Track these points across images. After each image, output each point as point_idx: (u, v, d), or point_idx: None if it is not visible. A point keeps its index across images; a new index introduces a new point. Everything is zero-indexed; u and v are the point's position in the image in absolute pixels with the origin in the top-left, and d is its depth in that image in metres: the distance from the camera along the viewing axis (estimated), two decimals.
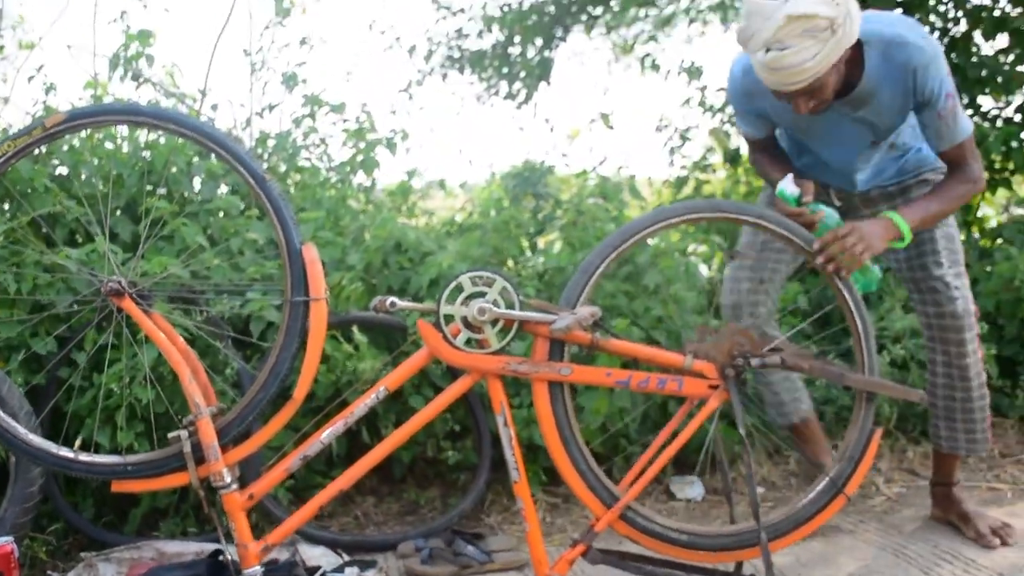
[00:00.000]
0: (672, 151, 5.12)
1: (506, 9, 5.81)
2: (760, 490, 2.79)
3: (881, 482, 2.79)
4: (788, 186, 2.13)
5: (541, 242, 3.79)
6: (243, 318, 2.73)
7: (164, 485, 1.92)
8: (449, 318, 1.93)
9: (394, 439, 1.98)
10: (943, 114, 2.07)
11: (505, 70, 5.69)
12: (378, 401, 1.95)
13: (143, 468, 1.90)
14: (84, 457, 1.93)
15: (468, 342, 1.93)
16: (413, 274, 2.97)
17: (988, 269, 3.42)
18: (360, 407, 1.95)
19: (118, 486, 1.93)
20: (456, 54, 5.83)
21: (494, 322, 1.92)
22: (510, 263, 3.31)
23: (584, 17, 5.88)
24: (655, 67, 5.59)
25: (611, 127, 5.04)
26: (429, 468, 2.94)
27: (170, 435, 1.89)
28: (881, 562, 2.21)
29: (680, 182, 5.06)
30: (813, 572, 2.17)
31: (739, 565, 2.04)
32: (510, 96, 5.68)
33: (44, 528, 2.56)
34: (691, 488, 2.79)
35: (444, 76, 5.88)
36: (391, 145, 3.48)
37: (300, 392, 1.92)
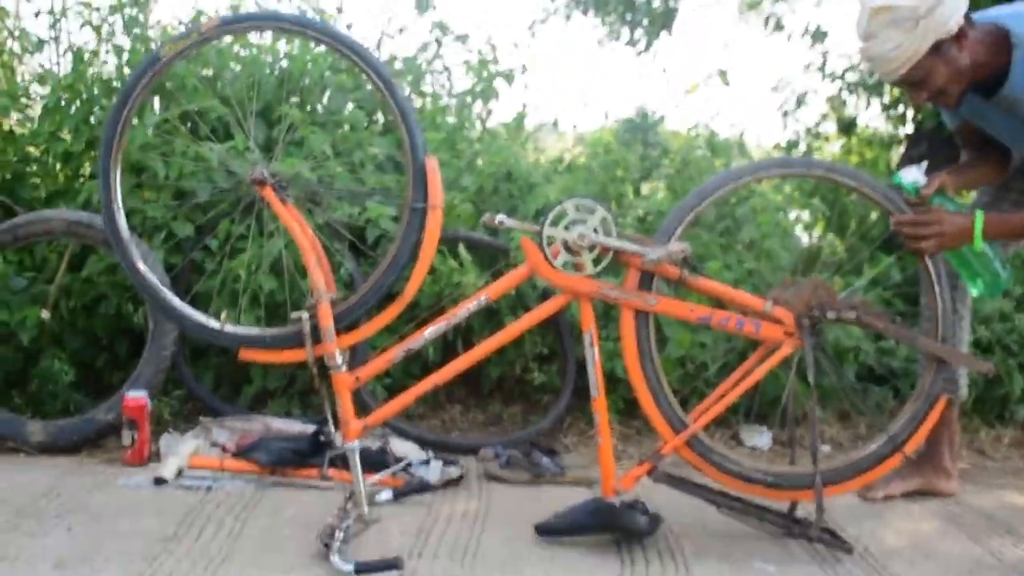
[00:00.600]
0: (786, 114, 5.12)
1: None
2: (826, 448, 2.90)
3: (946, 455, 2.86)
4: (909, 174, 2.17)
5: (645, 188, 3.90)
6: (359, 227, 2.94)
7: (285, 359, 2.16)
8: (551, 240, 2.08)
9: (488, 345, 2.16)
10: None
11: (628, 16, 5.72)
12: (480, 308, 2.14)
13: (276, 340, 2.14)
14: (229, 328, 2.18)
15: (566, 264, 2.09)
16: (520, 202, 3.14)
17: None
18: (462, 311, 2.13)
19: (246, 354, 2.17)
20: None
21: (591, 248, 2.07)
22: (613, 205, 3.45)
23: None
24: (779, 27, 5.54)
25: (728, 84, 5.06)
26: (515, 386, 3.14)
27: (293, 315, 2.12)
28: (932, 524, 2.31)
29: (791, 145, 5.07)
30: (863, 524, 2.28)
31: (793, 506, 2.17)
32: (631, 43, 5.72)
33: (168, 392, 2.87)
34: (759, 437, 2.91)
35: (568, 17, 5.95)
36: (509, 77, 3.62)
37: (411, 289, 2.12)
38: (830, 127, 5.28)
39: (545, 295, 2.97)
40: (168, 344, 2.65)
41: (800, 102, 5.07)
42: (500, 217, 2.11)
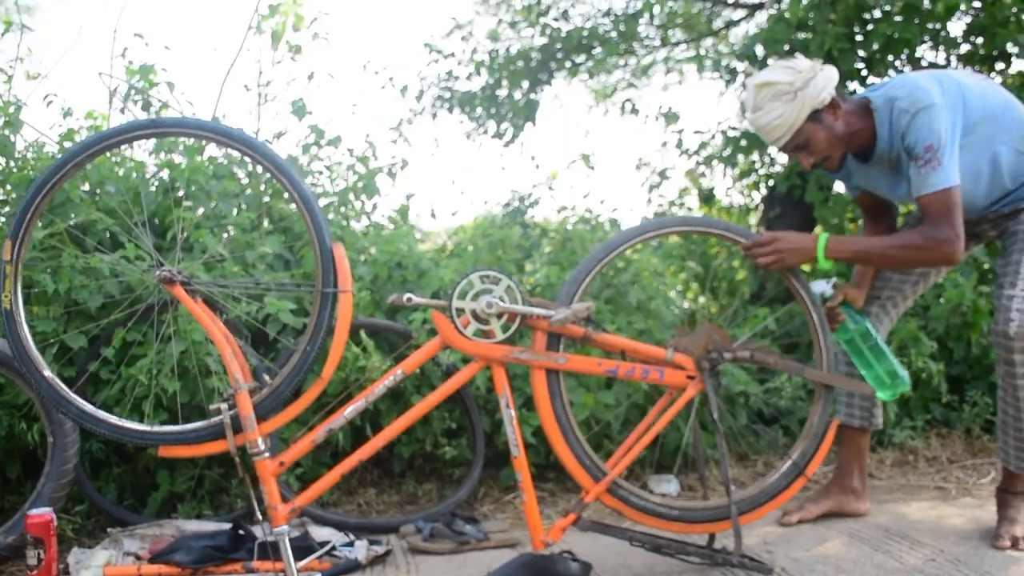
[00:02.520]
0: (650, 189, 5.45)
1: (494, 54, 6.16)
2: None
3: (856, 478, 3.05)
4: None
5: (528, 266, 4.07)
6: (257, 323, 2.97)
7: (206, 452, 2.16)
8: (460, 312, 2.19)
9: (410, 415, 2.23)
10: (919, 163, 2.25)
11: (493, 111, 6.02)
12: (396, 383, 2.21)
13: (200, 434, 2.14)
14: (157, 428, 2.17)
15: (476, 333, 2.20)
16: (415, 287, 3.24)
17: (939, 297, 3.74)
18: (380, 387, 2.20)
19: (166, 451, 2.16)
20: (446, 95, 6.16)
21: (500, 315, 2.18)
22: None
23: (568, 64, 6.24)
24: (634, 111, 5.93)
25: (592, 167, 5.37)
26: (426, 463, 3.18)
27: (211, 407, 2.13)
28: (838, 541, 2.47)
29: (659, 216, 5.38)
30: (777, 547, 2.43)
31: (712, 537, 2.30)
32: (498, 135, 6.00)
33: (68, 510, 2.77)
34: (668, 484, 3.05)
35: (434, 115, 6.20)
36: (392, 173, 3.77)
37: (328, 371, 2.17)
38: (692, 199, 5.65)
39: (449, 373, 3.06)
40: (70, 457, 2.58)
41: (663, 177, 5.41)
42: (408, 295, 2.21)
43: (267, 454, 2.12)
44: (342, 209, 3.72)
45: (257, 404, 2.14)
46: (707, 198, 5.47)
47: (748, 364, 2.28)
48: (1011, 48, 4.23)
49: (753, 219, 5.37)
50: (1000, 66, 4.33)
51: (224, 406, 2.12)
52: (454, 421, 3.08)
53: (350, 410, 2.19)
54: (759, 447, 3.34)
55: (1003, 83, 4.27)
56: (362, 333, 3.00)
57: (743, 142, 5.11)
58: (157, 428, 2.17)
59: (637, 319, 3.26)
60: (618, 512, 2.24)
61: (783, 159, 4.87)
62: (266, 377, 2.19)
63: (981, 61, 4.39)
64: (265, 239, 3.30)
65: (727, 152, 5.21)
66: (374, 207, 3.83)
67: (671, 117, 5.80)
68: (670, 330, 3.28)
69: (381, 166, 3.85)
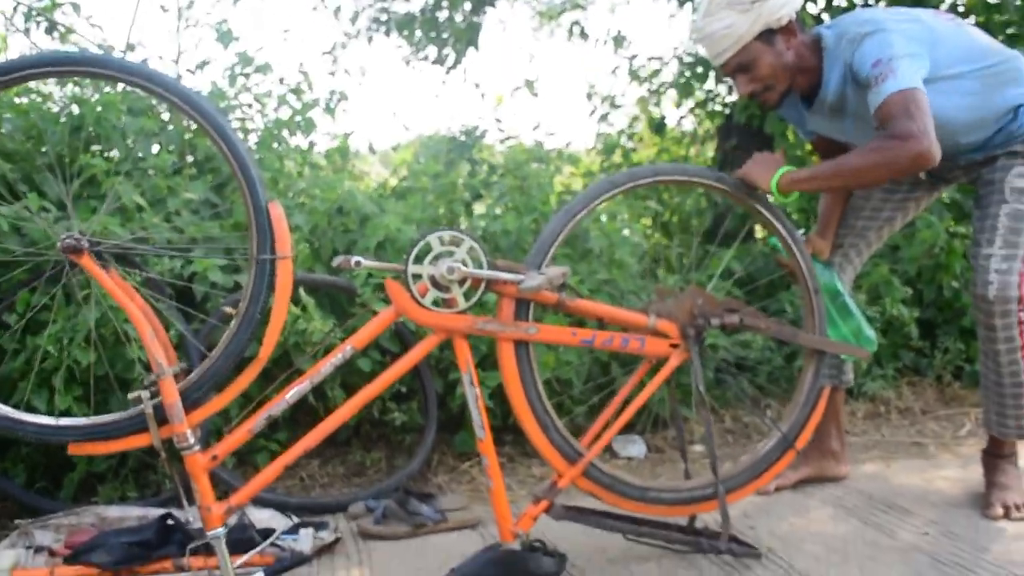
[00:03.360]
0: (601, 119, 5.18)
1: None
2: (698, 448, 2.89)
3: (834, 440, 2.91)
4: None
5: (478, 206, 3.80)
6: (184, 279, 2.66)
7: (124, 447, 1.87)
8: (417, 278, 1.93)
9: (362, 396, 1.98)
10: (871, 84, 1.96)
11: (433, 34, 5.63)
12: (344, 360, 1.94)
13: (117, 427, 1.85)
14: (65, 422, 1.87)
15: (436, 302, 1.94)
16: (359, 236, 2.94)
17: (912, 237, 3.58)
18: (326, 366, 1.93)
19: (77, 449, 1.87)
20: (383, 17, 5.74)
21: (462, 281, 1.92)
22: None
23: None
24: (583, 35, 5.61)
25: (536, 94, 5.07)
26: (374, 430, 2.94)
27: (131, 395, 1.84)
28: (822, 512, 2.32)
29: (609, 148, 5.13)
30: (758, 522, 2.26)
31: (692, 518, 2.11)
32: (439, 61, 5.62)
33: None
34: (633, 447, 2.87)
35: (370, 39, 5.78)
36: (330, 110, 3.43)
37: (265, 351, 1.89)
38: (643, 127, 5.41)
39: (400, 334, 2.80)
40: None
41: (612, 106, 5.15)
42: (356, 259, 1.93)
43: (197, 447, 1.85)
44: (275, 146, 3.38)
45: (185, 391, 1.86)
46: (658, 127, 5.24)
47: (738, 330, 2.06)
48: None
49: (709, 150, 5.15)
50: None
51: (145, 394, 1.83)
52: (403, 384, 2.83)
53: (292, 393, 1.92)
54: (726, 399, 3.17)
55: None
56: (301, 291, 2.71)
57: (699, 68, 4.86)
58: (65, 422, 1.87)
59: (599, 268, 3.02)
60: (594, 496, 2.03)
61: None
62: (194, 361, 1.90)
63: None
64: (188, 184, 2.96)
65: (682, 80, 4.96)
66: (310, 145, 3.49)
67: (619, 41, 5.51)
68: (635, 279, 3.06)
69: (317, 98, 3.51)
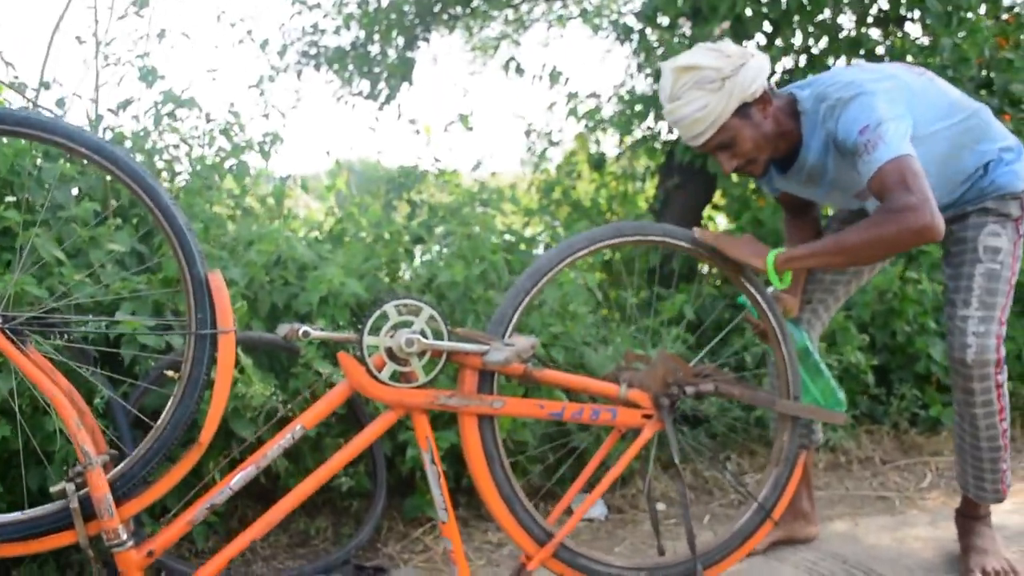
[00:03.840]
0: (539, 156, 5.11)
1: (364, 6, 5.61)
2: (661, 506, 2.79)
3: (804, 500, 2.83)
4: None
5: (420, 251, 3.66)
6: (110, 341, 2.46)
7: (47, 547, 1.67)
8: (372, 350, 1.78)
9: (313, 480, 1.82)
10: (859, 151, 1.89)
11: (365, 69, 5.49)
12: (293, 441, 1.79)
13: (32, 527, 1.65)
14: None
15: (393, 375, 1.80)
16: (299, 290, 2.77)
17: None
18: (274, 448, 1.77)
19: None
20: (312, 51, 5.57)
21: (421, 354, 1.79)
22: (389, 274, 3.19)
23: (445, 17, 5.77)
24: (519, 71, 5.55)
25: (470, 128, 4.97)
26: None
27: (53, 488, 1.65)
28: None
29: (549, 186, 5.06)
30: None
31: None
32: (372, 96, 5.48)
33: None
34: (593, 508, 2.75)
35: (299, 73, 5.61)
36: (265, 153, 3.26)
37: (206, 435, 1.72)
38: (580, 163, 5.35)
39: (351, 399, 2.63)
40: None
41: (552, 143, 5.08)
42: (304, 328, 1.78)
43: (130, 543, 1.67)
44: (206, 192, 3.18)
45: (116, 480, 1.68)
46: (598, 164, 5.18)
47: (712, 397, 1.97)
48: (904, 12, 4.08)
49: (650, 188, 5.11)
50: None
51: (71, 487, 1.64)
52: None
53: (237, 479, 1.76)
54: (684, 452, 3.08)
55: (892, 48, 4.11)
56: (239, 351, 2.53)
57: (638, 106, 4.83)
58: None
59: (552, 320, 2.91)
60: None
61: None
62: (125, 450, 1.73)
63: (878, 23, 4.23)
64: (113, 234, 2.76)
65: (622, 118, 4.91)
66: (243, 189, 3.31)
67: (555, 76, 5.45)
68: (590, 330, 2.96)
69: (250, 139, 3.33)
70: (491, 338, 1.85)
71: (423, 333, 1.79)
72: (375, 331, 1.77)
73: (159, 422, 1.71)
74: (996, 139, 2.12)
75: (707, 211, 4.84)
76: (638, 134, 4.92)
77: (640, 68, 4.87)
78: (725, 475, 2.76)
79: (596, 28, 5.03)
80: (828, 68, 4.07)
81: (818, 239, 2.19)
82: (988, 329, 2.08)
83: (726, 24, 4.08)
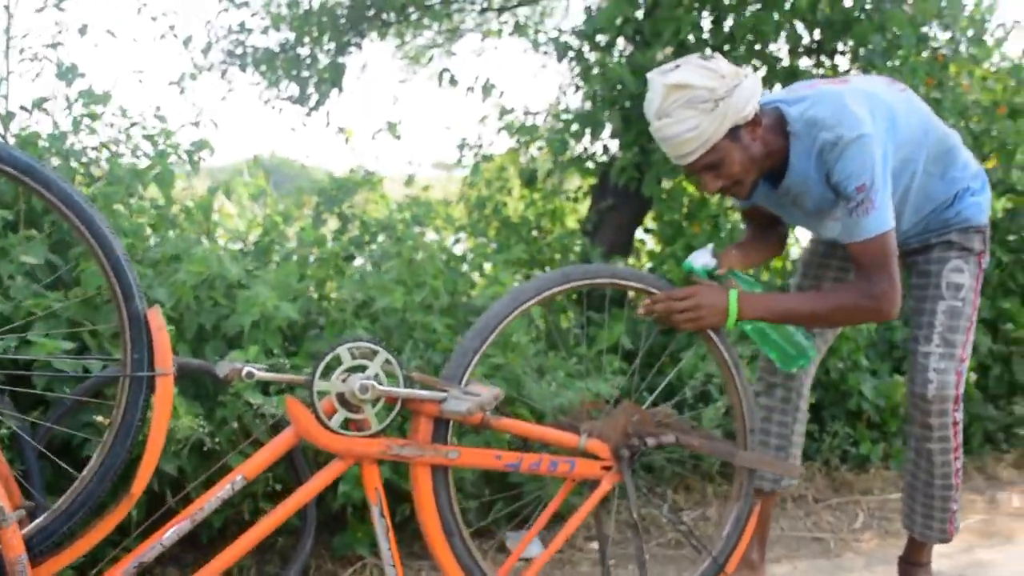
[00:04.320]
0: (474, 170, 5.01)
1: (295, 7, 5.43)
2: (592, 545, 2.73)
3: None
4: (699, 259, 2.10)
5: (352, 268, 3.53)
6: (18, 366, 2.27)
7: None
8: (321, 394, 1.67)
9: (259, 531, 1.70)
10: (850, 205, 1.91)
11: (294, 72, 5.30)
12: (233, 492, 1.66)
13: None
14: None
15: (344, 423, 1.69)
16: (229, 312, 2.62)
17: None
18: (211, 500, 1.64)
19: None
20: (239, 50, 5.35)
21: (375, 400, 1.68)
22: (324, 296, 3.06)
23: (378, 24, 5.63)
24: (453, 82, 5.45)
25: (398, 136, 4.86)
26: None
27: None
28: None
29: (480, 202, 4.98)
30: None
31: None
32: (300, 101, 5.30)
33: None
34: (530, 546, 2.67)
35: (224, 72, 5.39)
36: (194, 164, 3.09)
37: (139, 485, 1.58)
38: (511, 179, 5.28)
39: (278, 428, 2.49)
40: None
41: (486, 158, 5.00)
42: (248, 369, 1.66)
43: None
44: (130, 201, 2.99)
45: (33, 537, 1.52)
46: (529, 180, 5.13)
47: (673, 448, 1.92)
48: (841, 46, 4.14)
49: (583, 208, 5.08)
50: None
51: None
52: (278, 481, 2.52)
53: (169, 534, 1.62)
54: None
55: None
56: None
57: (574, 126, 4.79)
58: None
59: (493, 351, 2.82)
60: None
61: (616, 146, 4.57)
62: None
63: (809, 53, 4.29)
64: (24, 244, 2.56)
65: (558, 136, 4.87)
66: (168, 200, 3.13)
67: (488, 89, 5.37)
68: (532, 359, 2.88)
69: (177, 144, 3.15)
70: (447, 384, 1.75)
71: (377, 378, 1.68)
72: (326, 375, 1.66)
73: (85, 472, 1.56)
74: (964, 168, 2.13)
75: (638, 234, 4.84)
76: (573, 153, 4.88)
77: (577, 88, 4.83)
78: (680, 527, 2.68)
79: (536, 44, 4.97)
80: None
81: (777, 252, 2.25)
82: (948, 366, 2.10)
83: (669, 49, 4.08)
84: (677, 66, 1.89)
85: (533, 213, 5.15)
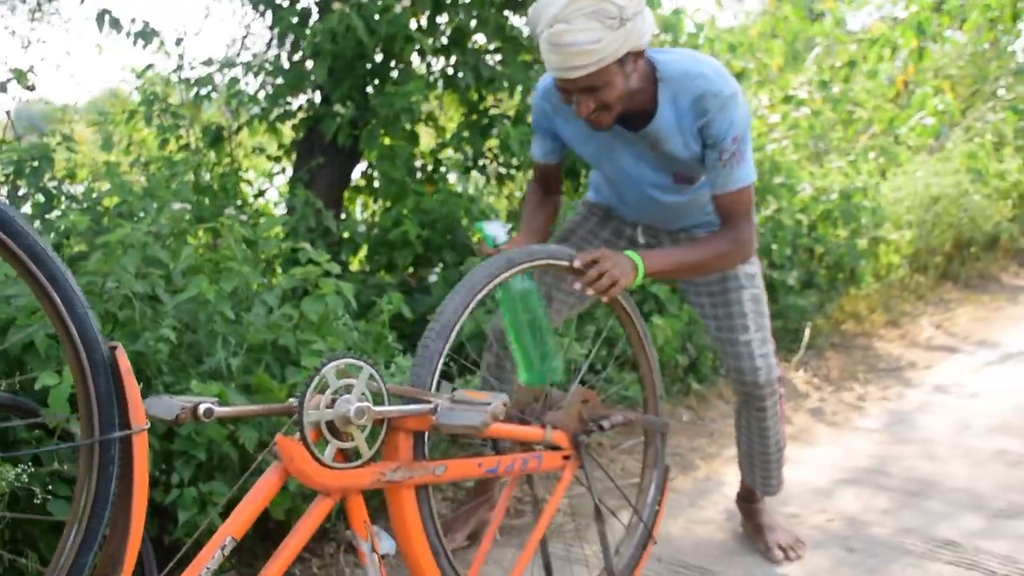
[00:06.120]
0: (164, 129, 4.46)
1: None
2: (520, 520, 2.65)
3: None
4: (491, 228, 2.06)
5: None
6: None
7: None
8: (311, 426, 1.43)
9: None
10: (724, 156, 1.94)
11: None
12: (223, 558, 1.37)
13: None
14: None
15: (335, 455, 1.46)
16: None
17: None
18: (201, 572, 1.34)
19: None
20: None
21: (364, 425, 1.48)
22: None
23: None
24: (115, 25, 4.77)
25: (31, 87, 4.19)
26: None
27: None
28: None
29: (172, 164, 4.44)
30: None
31: None
32: None
33: None
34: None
35: None
36: None
37: (127, 566, 1.24)
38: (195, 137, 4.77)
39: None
40: None
41: (176, 116, 4.47)
42: (206, 405, 1.36)
43: None
44: None
45: None
46: (215, 139, 4.69)
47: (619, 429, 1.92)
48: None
49: (288, 167, 4.76)
50: None
51: None
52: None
53: None
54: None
55: None
56: None
57: (279, 79, 4.47)
58: None
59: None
60: None
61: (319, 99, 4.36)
62: None
63: None
64: None
65: (259, 91, 4.51)
66: None
67: (147, 35, 4.79)
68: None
69: None
70: (424, 393, 1.60)
71: (364, 396, 1.48)
72: (316, 403, 1.43)
73: (58, 552, 1.19)
74: None
75: (347, 193, 4.68)
76: (267, 106, 4.53)
77: (280, 41, 4.49)
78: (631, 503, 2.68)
79: None
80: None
81: (552, 222, 2.28)
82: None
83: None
84: None
85: (216, 176, 4.70)
